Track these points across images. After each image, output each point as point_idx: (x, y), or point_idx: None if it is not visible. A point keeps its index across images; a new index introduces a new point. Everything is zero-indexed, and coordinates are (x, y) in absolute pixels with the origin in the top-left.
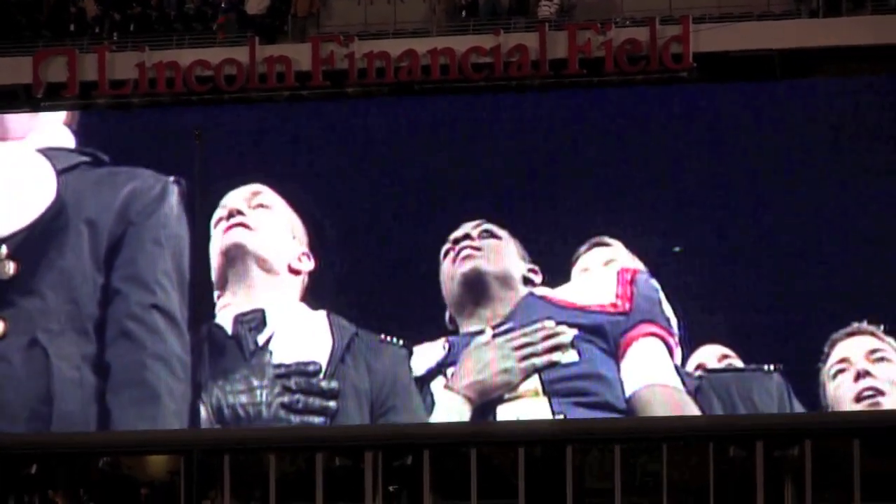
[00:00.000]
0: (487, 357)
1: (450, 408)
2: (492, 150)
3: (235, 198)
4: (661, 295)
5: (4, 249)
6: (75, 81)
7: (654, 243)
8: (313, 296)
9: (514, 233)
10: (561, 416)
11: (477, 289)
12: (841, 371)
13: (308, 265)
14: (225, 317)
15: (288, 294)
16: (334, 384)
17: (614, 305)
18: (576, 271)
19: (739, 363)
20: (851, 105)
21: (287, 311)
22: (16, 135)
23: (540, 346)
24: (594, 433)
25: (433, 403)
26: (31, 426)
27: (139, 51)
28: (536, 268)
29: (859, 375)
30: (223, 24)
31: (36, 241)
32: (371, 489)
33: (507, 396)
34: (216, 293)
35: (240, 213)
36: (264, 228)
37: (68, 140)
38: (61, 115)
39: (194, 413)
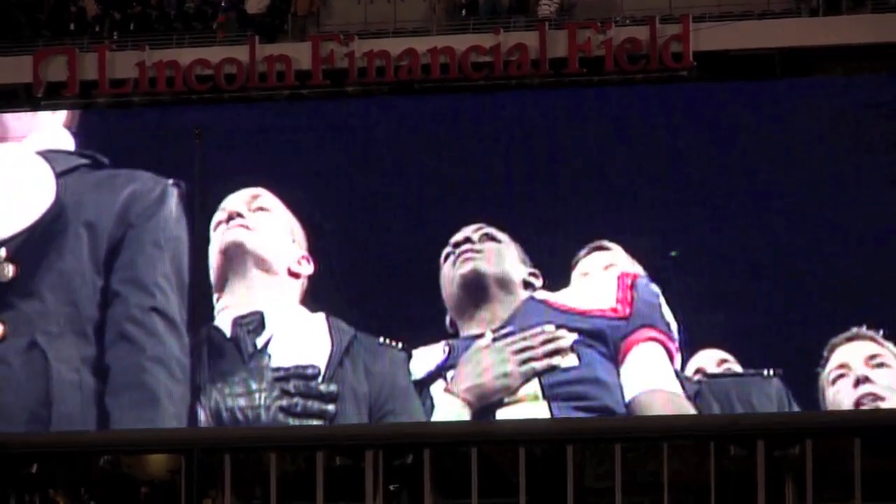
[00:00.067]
0: (486, 361)
1: (449, 411)
2: (492, 150)
3: (235, 201)
4: (662, 299)
5: (4, 252)
6: (75, 81)
7: (654, 245)
8: (312, 298)
9: (515, 236)
10: None
11: (476, 290)
12: (840, 376)
13: (308, 269)
14: (224, 319)
15: (287, 296)
16: (333, 387)
17: (614, 310)
18: (576, 275)
19: (738, 368)
20: (852, 104)
21: (286, 314)
22: (15, 136)
23: (540, 351)
24: (595, 433)
25: (432, 407)
26: (30, 428)
27: (139, 50)
28: (537, 272)
29: (858, 381)
30: (223, 23)
31: (35, 244)
32: (371, 488)
33: (506, 400)
34: (215, 295)
35: (239, 215)
36: (264, 230)
37: (68, 142)
38: (61, 117)
39: (193, 415)
